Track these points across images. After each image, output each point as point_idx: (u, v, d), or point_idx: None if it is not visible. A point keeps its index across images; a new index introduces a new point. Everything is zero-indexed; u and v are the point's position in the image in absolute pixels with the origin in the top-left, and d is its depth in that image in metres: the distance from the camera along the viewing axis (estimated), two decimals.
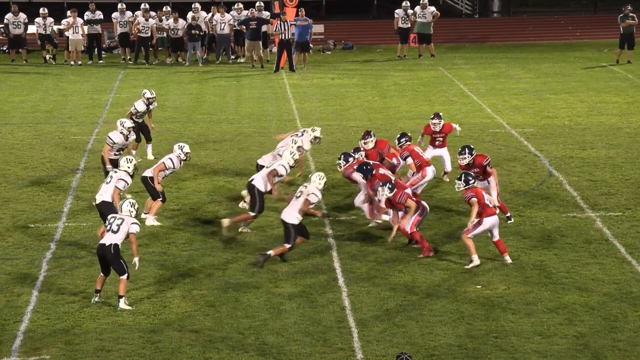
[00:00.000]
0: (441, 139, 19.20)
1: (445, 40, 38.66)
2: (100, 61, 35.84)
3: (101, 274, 13.80)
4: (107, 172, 17.27)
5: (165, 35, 35.32)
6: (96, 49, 35.96)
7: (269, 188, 16.35)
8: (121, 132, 18.28)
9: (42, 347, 12.37)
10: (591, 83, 30.72)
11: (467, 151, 16.66)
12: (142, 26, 34.78)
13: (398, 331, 12.73)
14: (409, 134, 18.08)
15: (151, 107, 21.03)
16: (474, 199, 14.90)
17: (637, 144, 22.51)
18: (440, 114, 19.24)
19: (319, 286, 14.29)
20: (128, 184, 15.71)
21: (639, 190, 18.85)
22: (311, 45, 35.74)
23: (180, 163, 17.19)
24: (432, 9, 35.83)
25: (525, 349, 12.18)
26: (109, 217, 13.91)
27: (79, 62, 34.94)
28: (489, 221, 14.92)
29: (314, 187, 15.27)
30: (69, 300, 13.84)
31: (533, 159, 21.34)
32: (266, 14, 34.98)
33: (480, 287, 14.19)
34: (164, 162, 17.01)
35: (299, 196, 15.22)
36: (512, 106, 27.23)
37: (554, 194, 18.65)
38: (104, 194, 15.65)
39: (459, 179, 15.29)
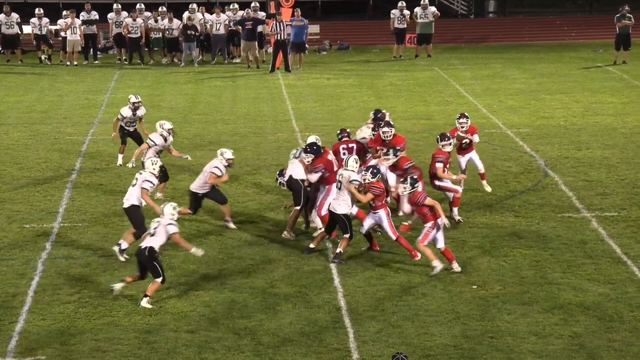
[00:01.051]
0: (467, 141, 18.38)
1: (441, 41, 38.68)
2: (96, 61, 35.81)
3: (137, 272, 13.91)
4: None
5: (160, 35, 35.31)
6: (92, 50, 35.95)
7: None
8: (161, 135, 18.15)
9: (37, 347, 12.36)
10: (587, 83, 30.75)
11: (391, 152, 16.45)
12: (131, 27, 34.75)
13: (394, 331, 12.73)
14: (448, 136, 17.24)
15: (138, 112, 20.58)
16: (429, 199, 14.84)
17: (632, 144, 22.53)
18: (466, 114, 18.67)
19: (315, 286, 14.28)
20: (154, 185, 15.47)
21: (635, 190, 18.87)
22: (307, 45, 35.73)
23: (224, 169, 16.69)
24: (433, 9, 35.87)
25: (521, 349, 12.19)
26: (152, 221, 13.91)
27: (75, 63, 34.93)
28: (441, 220, 14.90)
29: (352, 173, 15.34)
30: (64, 301, 13.82)
31: (528, 159, 21.35)
32: (262, 14, 34.98)
33: (475, 287, 14.20)
34: (212, 173, 16.44)
35: (340, 187, 15.30)
36: (507, 106, 27.25)
37: (549, 194, 18.67)
38: (130, 197, 15.38)
39: (404, 181, 15.08)
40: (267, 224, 17.10)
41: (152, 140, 18.14)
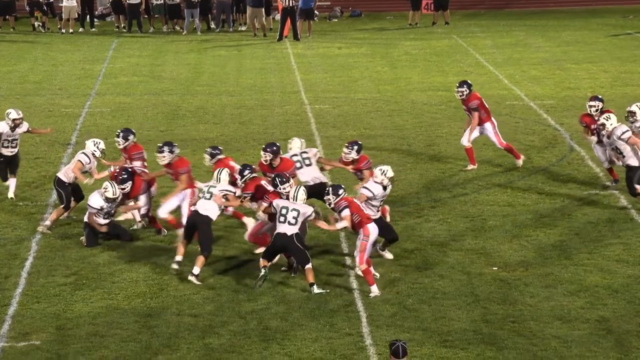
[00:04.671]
0: (469, 113, 18.43)
1: (460, 7, 38.53)
2: (93, 29, 35.78)
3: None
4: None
5: (162, 1, 35.23)
6: (88, 16, 35.91)
7: None
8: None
9: (31, 332, 12.39)
10: (615, 52, 30.61)
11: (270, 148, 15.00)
12: None
13: (409, 315, 12.73)
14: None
15: (20, 130, 17.31)
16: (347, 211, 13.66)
17: None
18: (468, 81, 18.70)
19: (326, 268, 14.27)
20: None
21: None
22: (316, 12, 35.62)
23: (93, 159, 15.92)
24: None
25: (545, 334, 12.18)
26: (281, 207, 13.56)
27: (71, 30, 34.89)
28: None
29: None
30: (60, 283, 13.85)
31: (553, 132, 21.29)
32: None
33: (496, 268, 14.19)
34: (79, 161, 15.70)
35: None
36: (530, 77, 27.16)
37: (575, 170, 18.61)
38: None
39: (327, 193, 13.78)
40: None
41: None
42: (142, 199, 15.76)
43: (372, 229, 13.57)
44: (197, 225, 14.12)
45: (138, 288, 13.67)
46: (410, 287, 13.58)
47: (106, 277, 14.00)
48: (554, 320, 12.56)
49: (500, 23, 36.78)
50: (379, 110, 23.62)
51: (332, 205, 13.68)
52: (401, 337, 12.04)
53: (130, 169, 15.57)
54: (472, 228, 15.74)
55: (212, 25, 35.81)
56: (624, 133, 16.31)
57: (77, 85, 26.66)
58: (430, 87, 26.18)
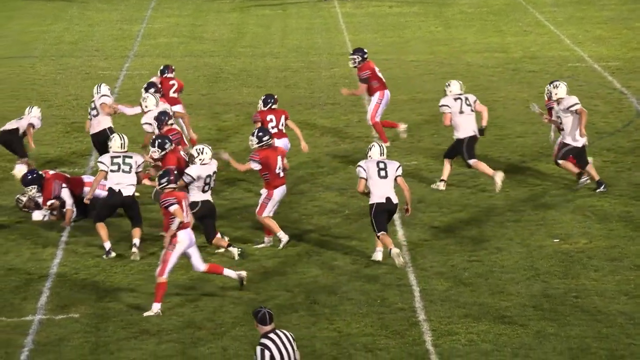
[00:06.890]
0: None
1: None
2: None
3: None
4: None
5: None
6: None
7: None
8: None
9: (70, 304, 12.51)
10: None
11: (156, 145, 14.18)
12: None
13: (465, 290, 12.72)
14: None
15: None
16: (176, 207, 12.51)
17: None
18: (363, 49, 18.43)
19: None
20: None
21: None
22: None
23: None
24: None
25: (610, 310, 12.12)
26: (206, 176, 13.64)
27: None
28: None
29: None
30: (99, 253, 13.97)
31: (618, 96, 21.11)
32: None
33: (557, 240, 14.13)
34: None
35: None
36: (594, 36, 26.90)
37: None
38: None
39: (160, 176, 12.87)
40: (322, 169, 17.09)
41: None
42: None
43: (184, 237, 12.40)
44: (129, 204, 14.01)
45: (180, 259, 13.72)
46: (466, 260, 13.56)
47: (145, 248, 14.09)
48: (619, 296, 12.49)
49: None
50: (431, 73, 23.52)
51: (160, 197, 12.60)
52: (456, 312, 12.04)
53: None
54: (532, 197, 15.66)
55: None
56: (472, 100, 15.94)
57: (115, 47, 26.78)
58: (486, 48, 26.02)
